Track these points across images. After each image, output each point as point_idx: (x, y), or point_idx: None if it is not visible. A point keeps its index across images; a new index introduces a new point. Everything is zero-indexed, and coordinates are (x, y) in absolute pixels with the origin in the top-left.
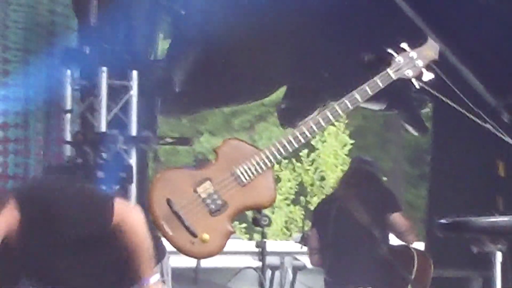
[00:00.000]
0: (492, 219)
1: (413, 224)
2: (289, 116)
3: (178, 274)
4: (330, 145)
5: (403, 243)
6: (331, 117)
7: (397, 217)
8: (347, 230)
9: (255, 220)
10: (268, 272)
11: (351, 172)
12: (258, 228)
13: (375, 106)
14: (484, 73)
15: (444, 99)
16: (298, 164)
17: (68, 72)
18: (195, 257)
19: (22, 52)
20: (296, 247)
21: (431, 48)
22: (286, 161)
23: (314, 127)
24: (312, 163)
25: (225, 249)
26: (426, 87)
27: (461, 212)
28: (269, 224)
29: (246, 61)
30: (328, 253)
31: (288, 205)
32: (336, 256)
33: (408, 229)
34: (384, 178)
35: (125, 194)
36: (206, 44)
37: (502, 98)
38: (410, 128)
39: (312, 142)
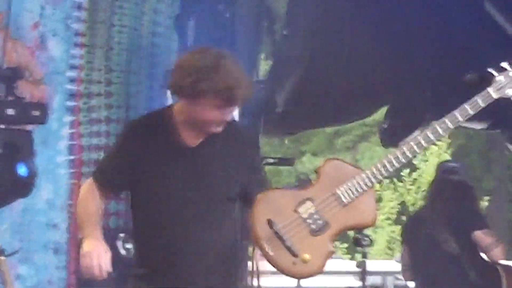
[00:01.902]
0: None
1: (497, 240)
2: (391, 136)
3: None
4: (432, 165)
5: (491, 261)
6: (432, 136)
7: (478, 235)
8: (434, 256)
9: (356, 240)
10: None
11: (438, 185)
12: (360, 248)
13: (477, 125)
14: None
15: None
16: (400, 183)
17: (169, 93)
18: (296, 277)
19: (125, 73)
20: (398, 266)
21: None
22: (388, 180)
23: (415, 147)
24: (414, 183)
25: (326, 269)
26: None
27: None
28: (370, 244)
29: (348, 80)
30: (419, 273)
31: (390, 224)
32: (425, 278)
33: (489, 246)
34: (488, 197)
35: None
36: (308, 64)
37: None
38: None
39: (414, 162)
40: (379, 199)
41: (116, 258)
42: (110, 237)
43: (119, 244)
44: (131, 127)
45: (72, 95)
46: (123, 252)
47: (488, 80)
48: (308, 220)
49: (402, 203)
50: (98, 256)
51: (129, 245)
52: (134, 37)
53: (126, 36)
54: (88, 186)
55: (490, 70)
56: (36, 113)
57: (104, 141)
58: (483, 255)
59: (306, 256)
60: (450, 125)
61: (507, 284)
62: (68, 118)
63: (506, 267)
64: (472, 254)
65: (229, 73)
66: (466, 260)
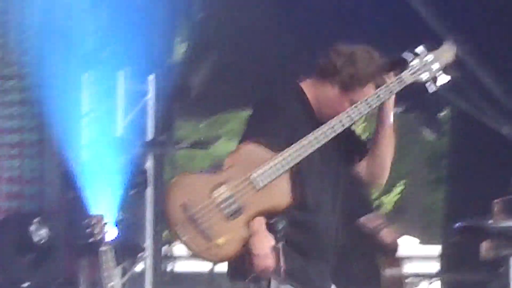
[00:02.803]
0: (509, 223)
1: (384, 222)
2: None
3: (193, 278)
4: None
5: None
6: (345, 121)
7: (364, 220)
8: None
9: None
10: None
11: None
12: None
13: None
14: (503, 76)
15: (460, 102)
16: None
17: (85, 75)
18: (210, 261)
19: (39, 56)
20: None
21: (448, 51)
22: None
23: (329, 132)
24: None
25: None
26: (442, 90)
27: (478, 216)
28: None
29: (263, 63)
30: None
31: None
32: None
33: (377, 228)
34: (403, 181)
35: (141, 199)
36: (223, 47)
37: None
38: (427, 131)
39: None
40: None
41: (29, 245)
42: (23, 223)
43: (32, 229)
44: (271, 101)
45: None
46: (36, 238)
47: (403, 64)
48: (222, 204)
49: None
50: (273, 257)
51: (42, 231)
52: (48, 19)
53: (38, 19)
54: None
55: (404, 55)
56: None
57: (18, 124)
58: (372, 239)
59: (221, 240)
60: (365, 109)
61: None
62: None
63: (389, 254)
64: (357, 245)
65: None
66: (350, 252)
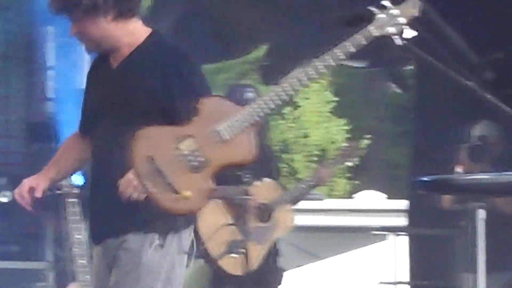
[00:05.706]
0: (475, 176)
1: None
2: (272, 74)
3: None
4: (313, 103)
5: None
6: (313, 74)
7: None
8: None
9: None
10: None
11: None
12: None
13: (358, 64)
14: (467, 30)
15: (426, 56)
16: (282, 121)
17: (49, 28)
18: (177, 214)
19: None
20: None
21: (413, 5)
22: (270, 118)
23: (297, 84)
24: (296, 120)
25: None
26: (408, 45)
27: (445, 170)
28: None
29: (228, 18)
30: None
31: None
32: None
33: None
34: (368, 136)
35: None
36: (189, 1)
37: (486, 55)
38: (393, 86)
39: (296, 100)
40: None
41: None
42: None
43: None
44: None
45: None
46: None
47: (368, 18)
48: (189, 157)
49: (284, 141)
50: (22, 188)
51: (7, 193)
52: None
53: None
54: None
55: (370, 8)
56: None
57: None
58: None
59: (187, 193)
60: (331, 62)
61: None
62: None
63: None
64: None
65: None
66: None
